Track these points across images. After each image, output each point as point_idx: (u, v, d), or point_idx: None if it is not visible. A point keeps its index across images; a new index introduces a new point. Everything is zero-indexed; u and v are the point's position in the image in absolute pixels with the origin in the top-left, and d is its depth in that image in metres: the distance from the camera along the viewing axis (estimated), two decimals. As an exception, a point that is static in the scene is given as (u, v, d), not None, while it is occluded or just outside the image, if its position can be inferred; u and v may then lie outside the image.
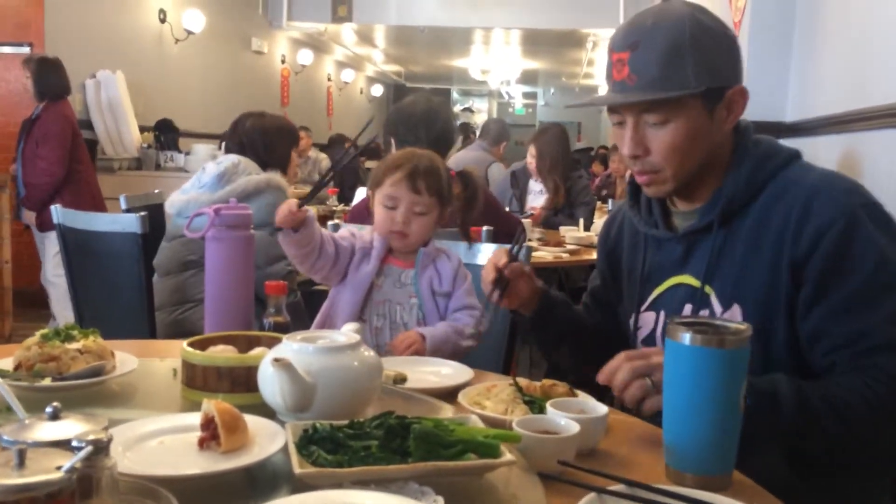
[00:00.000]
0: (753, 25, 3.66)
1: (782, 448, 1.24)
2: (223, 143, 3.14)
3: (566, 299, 1.56)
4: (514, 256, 1.43)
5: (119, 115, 6.22)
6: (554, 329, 1.50)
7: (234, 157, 2.51)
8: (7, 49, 5.80)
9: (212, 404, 0.95)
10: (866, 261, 1.19)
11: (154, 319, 2.43)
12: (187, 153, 6.42)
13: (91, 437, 0.72)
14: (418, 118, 2.53)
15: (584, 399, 1.20)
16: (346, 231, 1.71)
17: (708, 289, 1.32)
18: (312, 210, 1.62)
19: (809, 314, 1.23)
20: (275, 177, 2.54)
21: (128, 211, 2.99)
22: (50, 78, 4.49)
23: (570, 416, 1.06)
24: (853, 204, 1.22)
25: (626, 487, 0.92)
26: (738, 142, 1.31)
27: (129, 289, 2.39)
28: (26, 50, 5.75)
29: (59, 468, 0.66)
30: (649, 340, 1.43)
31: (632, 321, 1.46)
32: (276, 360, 1.02)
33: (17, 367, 1.18)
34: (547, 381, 1.27)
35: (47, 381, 1.14)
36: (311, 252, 1.56)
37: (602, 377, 1.17)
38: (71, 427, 0.77)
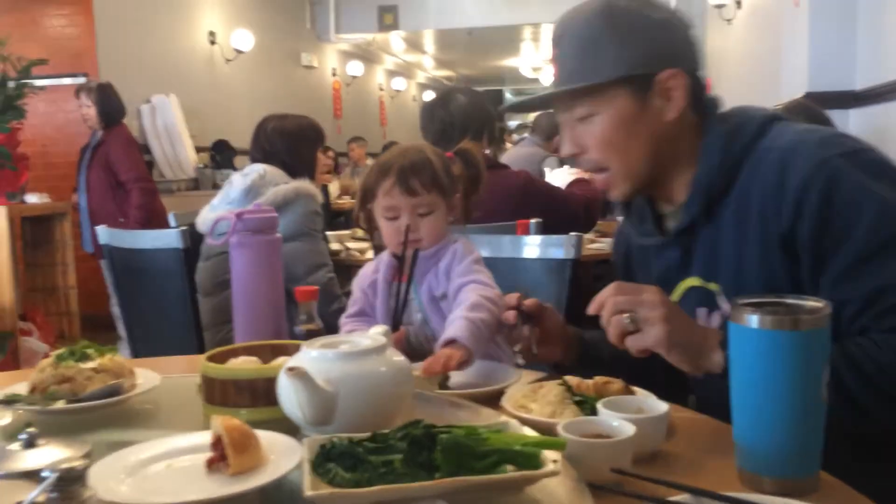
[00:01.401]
0: (814, -7, 3.46)
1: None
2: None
3: (601, 334, 1.41)
4: (524, 296, 1.31)
5: (175, 138, 6.32)
6: (603, 369, 1.28)
7: (259, 168, 2.44)
8: (65, 80, 5.95)
9: (219, 422, 0.86)
10: (862, 213, 1.05)
11: (202, 335, 2.38)
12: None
13: (64, 465, 0.64)
14: (433, 101, 2.51)
15: (643, 396, 1.07)
16: (357, 290, 1.52)
17: (714, 286, 1.21)
18: None
19: (818, 287, 1.09)
20: (304, 184, 2.46)
21: (176, 228, 2.97)
22: (112, 102, 4.59)
23: (624, 416, 0.94)
24: (829, 156, 1.08)
25: (691, 497, 0.79)
26: (705, 125, 1.20)
27: (175, 305, 2.36)
28: (82, 80, 5.89)
29: (19, 503, 0.58)
30: None
31: None
32: (291, 369, 0.93)
33: (33, 390, 1.12)
34: (600, 379, 1.14)
35: (61, 404, 1.08)
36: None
37: (591, 308, 1.09)
38: (47, 455, 0.69)
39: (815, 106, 2.95)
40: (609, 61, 1.15)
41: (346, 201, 7.06)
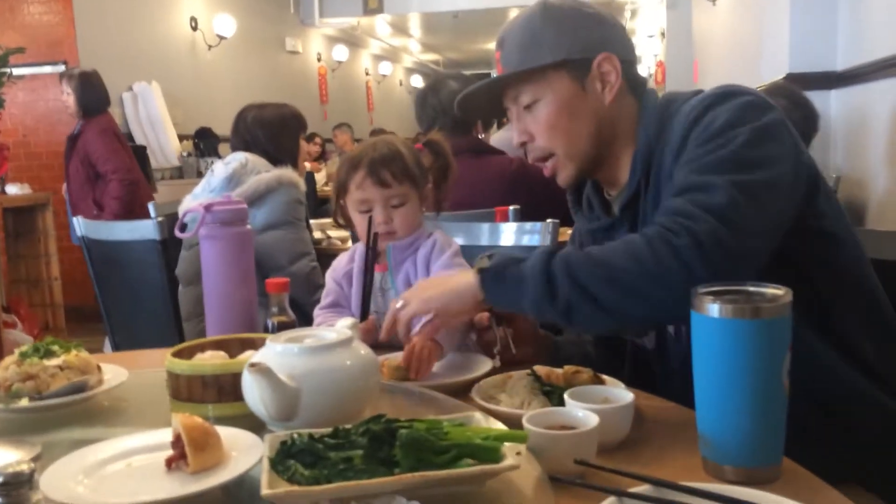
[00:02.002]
0: (794, -29, 3.44)
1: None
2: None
3: (571, 337, 1.43)
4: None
5: (158, 126, 6.26)
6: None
7: (241, 157, 2.43)
8: (45, 69, 5.88)
9: (179, 419, 0.85)
10: (710, 127, 1.11)
11: (181, 326, 2.37)
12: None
13: (10, 470, 0.63)
14: (426, 88, 2.53)
15: (611, 385, 1.06)
16: (331, 281, 1.55)
17: None
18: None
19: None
20: (286, 172, 2.44)
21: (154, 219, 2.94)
22: (91, 92, 4.46)
23: (589, 406, 0.93)
24: (715, 92, 1.17)
25: (652, 488, 0.79)
26: (641, 106, 1.27)
27: (154, 297, 2.35)
28: (62, 68, 5.83)
29: (-41, 510, 0.57)
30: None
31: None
32: (253, 364, 0.92)
33: (-4, 389, 1.11)
34: (570, 368, 1.13)
35: (24, 402, 1.06)
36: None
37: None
38: (-5, 458, 0.68)
39: (796, 87, 2.94)
40: (547, 48, 1.23)
41: (331, 188, 7.02)
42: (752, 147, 1.08)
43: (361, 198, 1.46)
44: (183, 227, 1.45)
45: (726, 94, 1.15)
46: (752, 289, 0.88)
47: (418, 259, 1.48)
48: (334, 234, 3.04)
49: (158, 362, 1.25)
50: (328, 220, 3.83)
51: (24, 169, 5.64)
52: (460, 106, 1.36)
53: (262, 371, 0.91)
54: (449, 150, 1.50)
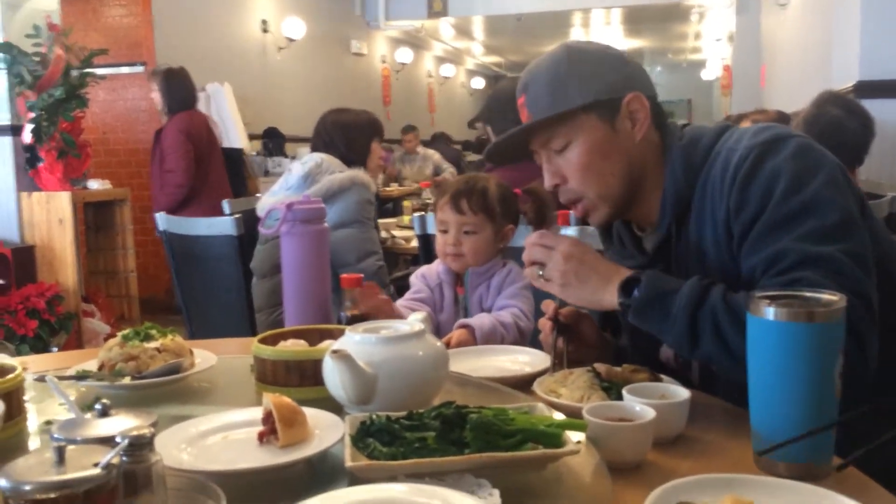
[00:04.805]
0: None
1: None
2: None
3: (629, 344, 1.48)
4: (561, 303, 1.37)
5: (229, 126, 6.46)
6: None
7: (317, 157, 2.54)
8: (123, 69, 6.15)
9: (270, 399, 0.94)
10: (774, 188, 1.13)
11: (254, 319, 2.49)
12: (293, 158, 6.62)
13: (134, 433, 0.72)
14: (507, 98, 2.47)
15: (667, 384, 1.12)
16: (417, 279, 1.75)
17: None
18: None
19: (739, 256, 1.17)
20: (358, 173, 2.55)
21: (230, 216, 3.09)
22: (174, 90, 4.66)
23: (646, 401, 0.99)
24: (761, 142, 1.16)
25: (701, 479, 0.84)
26: (666, 144, 1.28)
27: (229, 290, 2.47)
28: (140, 68, 6.09)
29: (96, 465, 0.66)
30: (680, 375, 1.32)
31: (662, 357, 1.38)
32: (335, 351, 1.00)
33: (101, 368, 1.22)
34: (628, 367, 1.19)
35: (127, 380, 1.17)
36: None
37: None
38: (119, 423, 0.77)
39: (848, 96, 2.88)
40: (576, 91, 1.24)
41: (394, 188, 7.14)
42: (835, 209, 1.10)
43: (441, 218, 1.69)
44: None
45: (774, 141, 1.16)
46: (808, 294, 0.93)
47: (492, 284, 1.67)
48: (398, 233, 3.13)
49: (234, 350, 1.36)
50: (392, 220, 3.94)
51: (103, 165, 5.91)
52: (489, 157, 1.40)
53: (344, 357, 1.00)
54: (549, 199, 1.56)
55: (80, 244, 4.65)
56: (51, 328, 3.96)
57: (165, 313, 5.34)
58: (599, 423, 0.92)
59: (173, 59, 6.01)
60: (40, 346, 3.76)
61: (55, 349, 3.82)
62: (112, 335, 4.65)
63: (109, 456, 0.67)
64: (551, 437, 0.86)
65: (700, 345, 1.10)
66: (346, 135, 2.68)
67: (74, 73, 4.15)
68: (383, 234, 3.11)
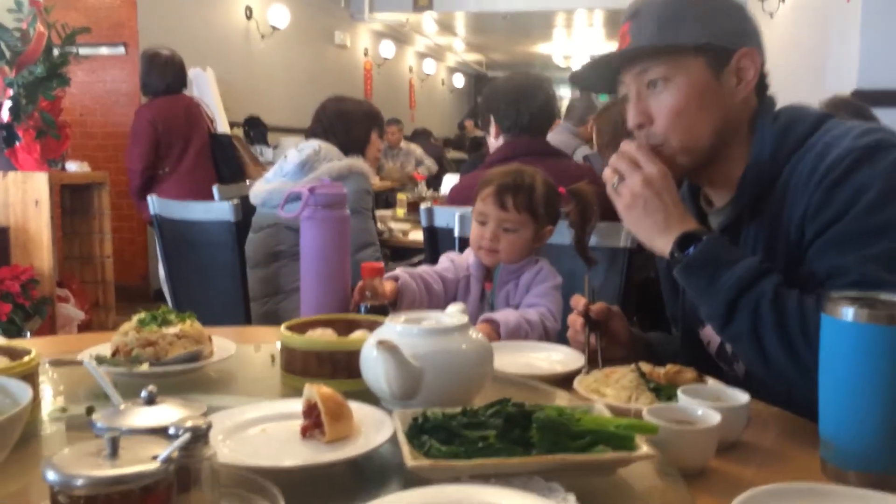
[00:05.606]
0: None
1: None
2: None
3: (661, 336, 1.46)
4: (592, 299, 1.34)
5: (213, 112, 6.33)
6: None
7: (314, 144, 2.46)
8: (103, 50, 5.98)
9: (314, 390, 0.88)
10: (860, 198, 1.06)
11: (249, 308, 2.41)
12: (275, 147, 6.50)
13: (189, 423, 0.65)
14: (519, 92, 2.43)
15: (716, 385, 1.07)
16: (447, 260, 1.66)
17: None
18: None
19: (805, 258, 1.11)
20: (356, 162, 2.48)
21: (227, 202, 2.99)
22: (154, 74, 4.57)
23: (708, 404, 0.94)
24: (862, 146, 1.09)
25: (781, 488, 0.79)
26: (759, 118, 1.20)
27: (224, 277, 2.39)
28: (121, 50, 5.93)
29: (154, 458, 0.60)
30: (721, 356, 1.30)
31: (703, 336, 1.33)
32: (381, 342, 0.94)
33: (115, 353, 1.14)
34: (672, 367, 1.14)
35: (145, 367, 1.10)
36: (417, 304, 1.50)
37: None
38: (167, 413, 0.71)
39: (860, 102, 2.90)
40: (690, 29, 1.17)
41: (375, 182, 7.06)
42: None
43: (480, 209, 1.58)
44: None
45: (875, 149, 1.09)
46: (884, 297, 0.88)
47: (521, 282, 1.59)
48: (395, 226, 3.06)
49: (231, 339, 1.26)
50: (388, 212, 3.87)
51: (78, 148, 5.73)
52: (573, 77, 1.31)
53: (390, 349, 0.93)
54: (594, 200, 1.49)
55: (55, 228, 4.51)
56: (25, 313, 3.83)
57: (142, 301, 5.21)
58: (669, 426, 0.87)
59: (155, 41, 5.85)
60: (14, 331, 3.63)
61: (28, 334, 3.69)
62: (87, 322, 4.52)
63: (170, 449, 0.60)
64: (623, 440, 0.81)
65: (731, 326, 1.07)
66: (346, 123, 2.62)
67: (56, 51, 4.02)
68: (380, 226, 3.04)
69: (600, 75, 1.28)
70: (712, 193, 1.29)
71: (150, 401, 0.72)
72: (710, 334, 1.30)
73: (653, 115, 1.20)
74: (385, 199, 5.75)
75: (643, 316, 1.41)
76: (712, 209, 1.29)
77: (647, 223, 1.15)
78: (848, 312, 0.86)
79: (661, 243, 1.14)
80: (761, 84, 1.22)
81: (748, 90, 1.19)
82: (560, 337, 1.44)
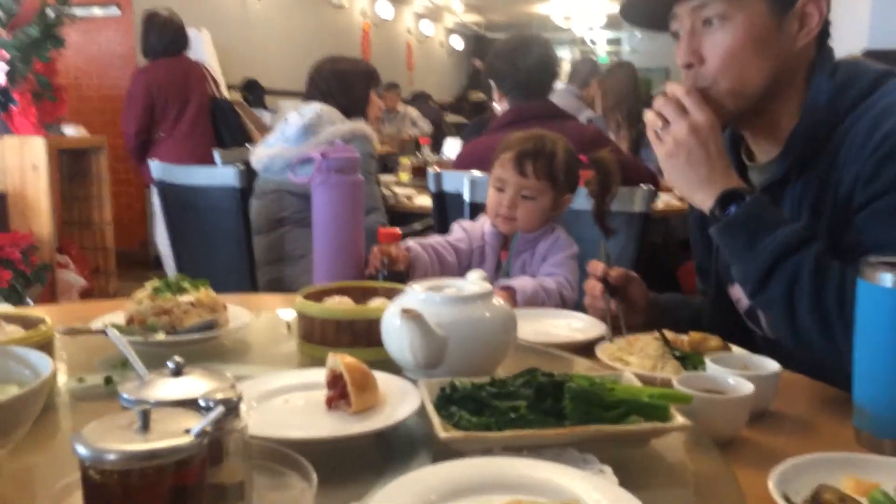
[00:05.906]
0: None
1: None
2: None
3: (678, 298, 1.43)
4: (608, 265, 1.31)
5: (216, 74, 6.23)
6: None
7: (316, 107, 2.41)
8: (96, 11, 5.87)
9: (339, 360, 0.86)
10: None
11: (255, 275, 2.38)
12: (273, 111, 6.42)
13: (220, 395, 0.63)
14: (512, 49, 2.44)
15: (743, 354, 1.05)
16: (460, 229, 1.62)
17: None
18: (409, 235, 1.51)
19: (852, 223, 1.07)
20: (360, 125, 2.43)
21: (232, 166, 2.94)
22: (152, 36, 4.51)
23: (739, 373, 0.92)
24: None
25: (817, 458, 0.78)
26: (817, 70, 1.14)
27: (230, 244, 2.36)
28: (115, 11, 5.82)
29: (187, 431, 0.58)
30: (751, 315, 1.27)
31: (732, 294, 1.30)
32: (406, 311, 0.92)
33: (130, 322, 1.12)
34: (696, 335, 1.12)
35: (161, 336, 1.08)
36: (430, 276, 1.45)
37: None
38: (196, 384, 0.69)
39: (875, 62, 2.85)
40: None
41: (383, 147, 6.98)
42: None
43: (499, 175, 1.54)
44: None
45: None
46: (923, 263, 0.86)
47: (537, 251, 1.56)
48: (399, 190, 3.03)
49: (237, 305, 1.24)
50: (391, 177, 3.83)
51: (75, 111, 5.63)
52: (624, 9, 1.24)
53: (416, 318, 0.91)
54: (616, 169, 1.44)
55: (55, 193, 4.46)
56: (25, 279, 3.80)
57: (141, 267, 5.18)
58: (702, 395, 0.85)
59: (149, 2, 5.76)
60: (15, 298, 3.60)
61: (30, 302, 3.67)
62: (88, 289, 4.50)
63: (204, 422, 0.58)
64: (657, 410, 0.79)
65: (765, 292, 1.04)
66: (344, 84, 2.56)
67: (50, 11, 3.93)
68: (386, 191, 3.00)
69: (653, 9, 1.19)
70: (755, 147, 1.24)
71: (178, 372, 0.69)
72: (739, 293, 1.27)
73: (704, 54, 1.14)
74: (384, 164, 5.69)
75: (648, 281, 1.38)
76: (754, 164, 1.24)
77: (689, 175, 1.10)
78: (886, 278, 0.83)
79: (701, 198, 1.11)
80: (823, 33, 1.16)
81: (809, 38, 1.13)
82: (578, 306, 1.41)
